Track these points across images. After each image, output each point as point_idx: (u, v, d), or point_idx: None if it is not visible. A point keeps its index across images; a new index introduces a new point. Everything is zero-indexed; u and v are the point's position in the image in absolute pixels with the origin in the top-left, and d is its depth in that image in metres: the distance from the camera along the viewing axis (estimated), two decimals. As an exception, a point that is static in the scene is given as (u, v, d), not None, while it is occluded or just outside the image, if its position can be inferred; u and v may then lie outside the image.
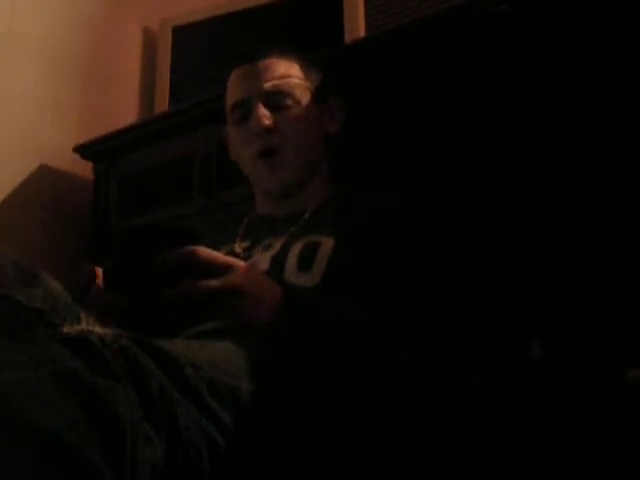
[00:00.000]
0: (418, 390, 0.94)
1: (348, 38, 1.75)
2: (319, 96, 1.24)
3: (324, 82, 1.26)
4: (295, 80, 1.21)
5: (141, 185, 1.74)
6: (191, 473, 0.64)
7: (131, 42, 2.17)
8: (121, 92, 2.10)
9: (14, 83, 1.80)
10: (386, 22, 1.89)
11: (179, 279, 0.80)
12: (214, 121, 1.49)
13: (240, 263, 0.86)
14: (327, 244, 1.05)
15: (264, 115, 1.17)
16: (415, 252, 1.06)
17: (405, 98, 1.35)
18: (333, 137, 1.26)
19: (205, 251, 0.83)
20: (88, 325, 0.62)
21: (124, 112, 2.07)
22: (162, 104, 1.99)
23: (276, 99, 1.19)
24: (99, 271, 0.84)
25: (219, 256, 0.84)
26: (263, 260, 1.08)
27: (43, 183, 1.83)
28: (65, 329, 0.60)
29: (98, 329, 0.61)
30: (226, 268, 0.83)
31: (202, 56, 2.02)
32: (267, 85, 1.19)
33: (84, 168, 1.86)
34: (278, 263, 1.06)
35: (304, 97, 1.21)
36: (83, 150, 1.83)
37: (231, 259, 0.86)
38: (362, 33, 1.77)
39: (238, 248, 1.16)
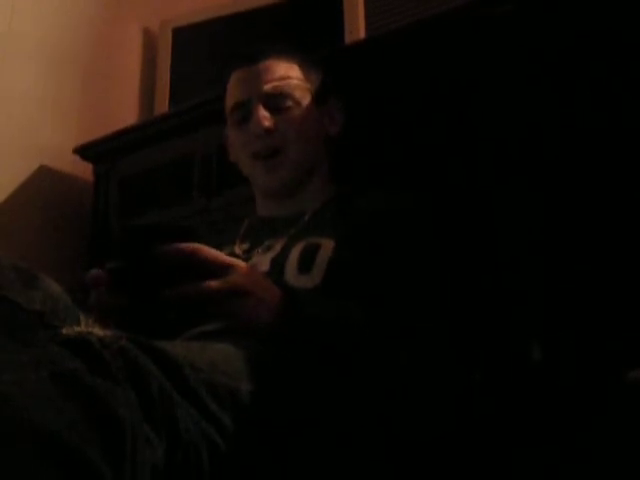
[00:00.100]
0: (418, 390, 0.94)
1: (348, 39, 1.75)
2: (319, 97, 1.24)
3: (324, 83, 1.26)
4: (295, 81, 1.21)
5: (141, 186, 1.75)
6: (191, 474, 0.64)
7: (131, 43, 2.17)
8: (121, 93, 2.10)
9: (14, 83, 1.80)
10: (386, 23, 1.89)
11: (180, 279, 0.80)
12: (214, 122, 1.49)
13: (241, 263, 0.86)
14: (327, 246, 1.05)
15: (264, 117, 1.18)
16: (415, 252, 1.06)
17: (405, 99, 1.35)
18: (333, 138, 1.27)
19: (207, 249, 0.82)
20: (88, 327, 0.62)
21: (124, 113, 2.07)
22: (162, 105, 2.00)
23: (276, 100, 1.19)
24: (102, 273, 0.84)
25: (221, 255, 0.84)
26: (263, 262, 1.08)
27: (43, 184, 1.83)
28: (65, 331, 0.60)
29: (98, 330, 0.61)
30: (228, 268, 0.83)
31: (202, 57, 2.02)
32: (267, 87, 1.19)
33: (84, 169, 1.86)
34: (278, 265, 1.06)
35: (304, 98, 1.21)
36: (83, 151, 1.83)
37: (233, 259, 0.86)
38: (362, 34, 1.77)
39: (238, 250, 1.16)
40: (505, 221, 1.18)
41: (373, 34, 1.80)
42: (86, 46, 2.00)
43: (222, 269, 0.82)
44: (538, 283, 1.12)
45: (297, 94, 1.21)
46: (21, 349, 0.55)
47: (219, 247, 1.09)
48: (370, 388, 0.88)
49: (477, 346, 1.12)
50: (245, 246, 1.17)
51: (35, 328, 0.59)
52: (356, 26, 1.77)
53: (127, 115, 2.08)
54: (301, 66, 1.23)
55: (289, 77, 1.21)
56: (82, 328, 0.61)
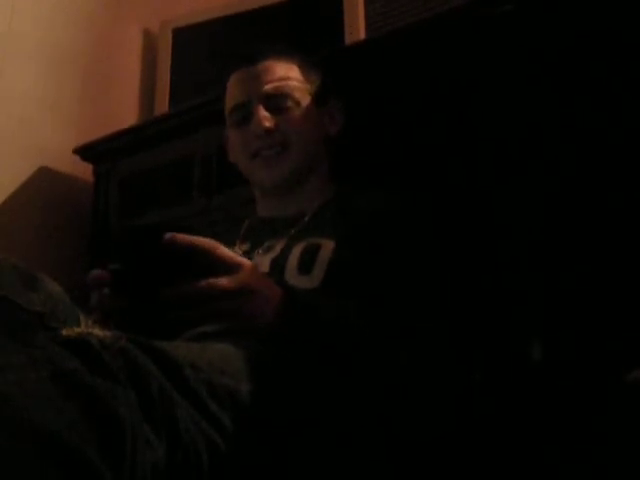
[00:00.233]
0: (418, 390, 0.94)
1: (348, 40, 1.75)
2: (319, 98, 1.24)
3: (324, 83, 1.26)
4: (295, 82, 1.21)
5: (141, 186, 1.75)
6: (191, 475, 0.64)
7: (131, 44, 2.17)
8: (121, 94, 2.11)
9: (14, 83, 1.80)
10: (386, 23, 1.89)
11: (180, 278, 0.80)
12: (214, 123, 1.49)
13: (248, 262, 0.86)
14: (327, 246, 1.05)
15: (265, 117, 1.18)
16: (415, 252, 1.06)
17: (405, 99, 1.35)
18: (333, 138, 1.27)
19: (222, 247, 0.83)
20: (87, 327, 0.62)
21: (124, 114, 2.07)
22: (162, 106, 2.00)
23: (276, 101, 1.20)
24: (102, 274, 0.83)
25: (233, 254, 0.84)
26: (263, 262, 1.08)
27: (43, 184, 1.83)
28: (65, 331, 0.60)
29: (97, 331, 0.61)
30: (238, 266, 0.83)
31: (202, 58, 2.02)
32: (267, 87, 1.19)
33: (84, 170, 1.86)
34: (278, 265, 1.06)
35: (304, 99, 1.21)
36: (83, 152, 1.83)
37: (242, 258, 0.85)
38: (362, 35, 1.77)
39: (238, 250, 1.16)
40: (505, 221, 1.18)
41: (373, 34, 1.80)
42: (86, 46, 2.00)
43: (233, 267, 0.82)
44: (538, 283, 1.12)
45: (297, 95, 1.21)
46: (21, 349, 0.55)
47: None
48: (370, 388, 0.88)
49: (477, 346, 1.12)
50: (245, 247, 1.17)
51: (35, 329, 0.59)
52: (356, 26, 1.77)
53: (127, 115, 2.08)
54: (301, 67, 1.24)
55: (289, 78, 1.21)
56: (82, 329, 0.61)
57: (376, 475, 0.86)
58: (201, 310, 0.81)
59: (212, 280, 0.80)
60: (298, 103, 1.20)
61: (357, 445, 0.85)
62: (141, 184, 1.75)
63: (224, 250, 0.82)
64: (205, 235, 0.81)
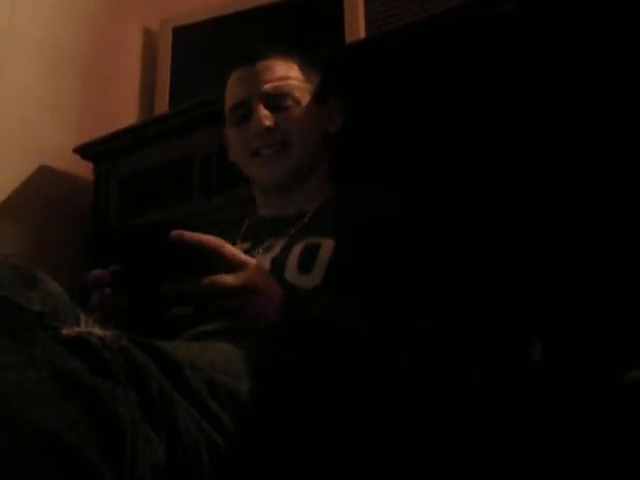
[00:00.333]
0: (418, 390, 0.94)
1: (349, 39, 1.75)
2: (319, 97, 1.24)
3: (324, 82, 1.26)
4: (295, 81, 1.21)
5: (141, 186, 1.75)
6: (191, 474, 0.64)
7: (131, 43, 2.17)
8: (121, 93, 2.10)
9: (14, 83, 1.80)
10: (387, 23, 1.89)
11: (181, 276, 0.80)
12: (214, 122, 1.49)
13: (252, 261, 0.86)
14: (327, 245, 1.05)
15: (265, 115, 1.18)
16: (415, 252, 1.06)
17: (405, 98, 1.35)
18: (332, 138, 1.27)
19: (228, 246, 0.82)
20: (88, 327, 0.62)
21: (124, 113, 2.07)
22: (162, 105, 2.00)
23: (276, 100, 1.20)
24: (102, 274, 0.83)
25: (238, 252, 0.84)
26: (264, 262, 1.08)
27: (43, 184, 1.83)
28: (65, 331, 0.60)
29: (98, 330, 0.61)
30: (243, 264, 0.83)
31: (202, 57, 2.02)
32: (267, 86, 1.19)
33: (84, 169, 1.86)
34: (279, 265, 1.06)
35: (304, 98, 1.21)
36: (83, 151, 1.83)
37: (246, 257, 0.85)
38: (362, 34, 1.77)
39: (239, 250, 1.16)
40: (505, 221, 1.18)
41: (373, 34, 1.80)
42: (86, 46, 2.00)
43: (238, 265, 0.82)
44: (538, 283, 1.12)
45: (297, 94, 1.21)
46: (21, 349, 0.55)
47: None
48: (370, 388, 0.88)
49: (477, 346, 1.12)
50: (246, 246, 1.17)
51: (35, 328, 0.59)
52: (356, 26, 1.77)
53: (127, 115, 2.08)
54: (301, 66, 1.24)
55: (289, 77, 1.21)
56: (82, 328, 0.61)
57: (376, 475, 0.86)
58: (203, 307, 0.81)
59: (215, 277, 0.80)
60: (298, 102, 1.21)
61: (357, 445, 0.85)
62: (141, 183, 1.75)
63: (230, 248, 0.82)
64: (208, 233, 0.81)
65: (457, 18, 1.33)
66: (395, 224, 1.09)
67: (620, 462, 0.94)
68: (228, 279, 0.80)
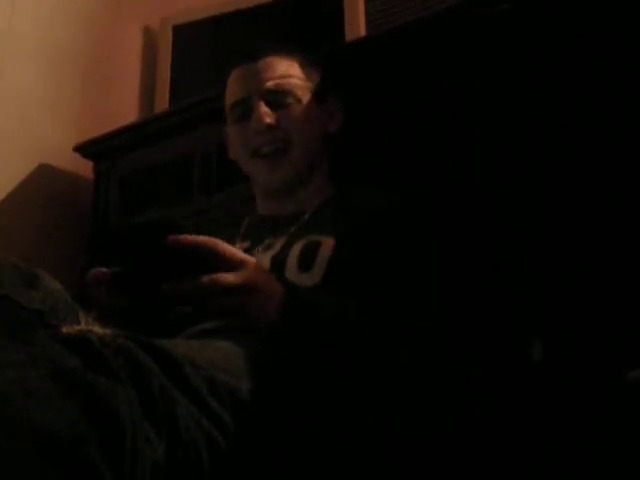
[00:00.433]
0: (418, 389, 0.94)
1: (349, 37, 1.75)
2: (319, 96, 1.24)
3: (324, 81, 1.26)
4: (295, 80, 1.21)
5: (141, 184, 1.75)
6: (191, 473, 0.64)
7: (131, 41, 2.17)
8: (121, 91, 2.10)
9: (14, 83, 1.80)
10: (387, 21, 1.89)
11: (181, 276, 0.79)
12: (214, 120, 1.49)
13: (251, 259, 0.85)
14: (328, 244, 1.05)
15: (266, 113, 1.17)
16: (415, 251, 1.06)
17: (405, 97, 1.35)
18: (333, 136, 1.26)
19: (224, 244, 0.82)
20: (88, 325, 0.62)
21: (124, 111, 2.07)
22: (162, 103, 1.99)
23: (277, 98, 1.19)
24: (102, 273, 0.83)
25: (237, 251, 0.84)
26: (263, 260, 1.08)
27: (43, 182, 1.83)
28: (65, 329, 0.60)
29: (98, 329, 0.61)
30: (242, 263, 0.83)
31: (202, 55, 2.02)
32: (268, 84, 1.19)
33: (84, 167, 1.86)
34: (279, 263, 1.06)
35: (304, 96, 1.21)
36: (84, 149, 1.83)
37: (246, 255, 0.85)
38: (362, 33, 1.77)
39: (239, 248, 1.15)
40: (505, 220, 1.18)
41: (373, 32, 1.79)
42: (86, 45, 2.00)
43: (237, 264, 0.82)
44: (538, 282, 1.12)
45: (298, 92, 1.21)
46: (21, 348, 0.55)
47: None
48: (370, 386, 0.88)
49: (477, 345, 1.12)
50: (246, 244, 1.17)
51: (35, 327, 0.59)
52: (356, 25, 1.77)
53: (127, 113, 2.07)
54: (301, 64, 1.23)
55: (290, 75, 1.21)
56: (82, 326, 0.61)
57: (376, 474, 0.86)
58: (203, 306, 0.81)
59: (215, 276, 0.79)
60: (299, 100, 1.20)
61: (357, 443, 0.85)
62: (141, 182, 1.75)
63: (227, 247, 0.82)
64: (205, 233, 0.81)
65: (457, 17, 1.32)
66: (395, 223, 1.09)
67: (620, 462, 0.94)
68: (228, 278, 0.80)
